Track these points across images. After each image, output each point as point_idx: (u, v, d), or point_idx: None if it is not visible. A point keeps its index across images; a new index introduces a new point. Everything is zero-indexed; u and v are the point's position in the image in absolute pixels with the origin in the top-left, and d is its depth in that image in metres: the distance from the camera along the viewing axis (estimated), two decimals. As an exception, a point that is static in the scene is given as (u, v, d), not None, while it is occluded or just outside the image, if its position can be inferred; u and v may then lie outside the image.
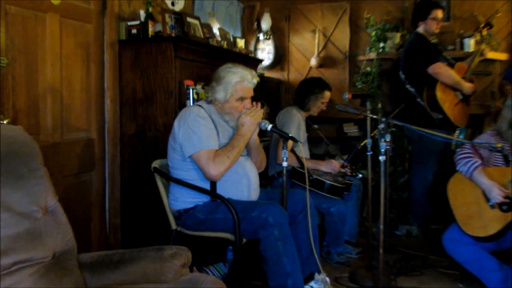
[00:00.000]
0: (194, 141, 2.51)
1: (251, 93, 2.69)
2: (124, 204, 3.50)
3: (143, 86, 3.37)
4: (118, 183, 3.45)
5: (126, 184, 3.48)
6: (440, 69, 3.74)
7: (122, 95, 3.43)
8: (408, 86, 3.95)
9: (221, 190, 2.60)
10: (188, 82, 3.35)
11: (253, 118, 2.60)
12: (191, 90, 3.31)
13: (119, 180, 3.45)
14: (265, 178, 3.74)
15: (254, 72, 2.68)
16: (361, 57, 5.01)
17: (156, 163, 2.81)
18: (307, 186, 2.75)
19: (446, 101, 3.79)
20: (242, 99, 2.65)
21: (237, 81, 2.61)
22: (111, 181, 3.41)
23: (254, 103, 2.69)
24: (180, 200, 2.67)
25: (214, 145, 2.52)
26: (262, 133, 4.18)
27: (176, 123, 2.63)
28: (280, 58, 5.54)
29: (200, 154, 2.50)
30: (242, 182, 2.64)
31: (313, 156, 4.12)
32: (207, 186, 2.60)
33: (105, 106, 3.35)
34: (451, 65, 3.92)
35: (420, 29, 3.96)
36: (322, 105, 3.80)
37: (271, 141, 3.90)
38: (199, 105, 2.68)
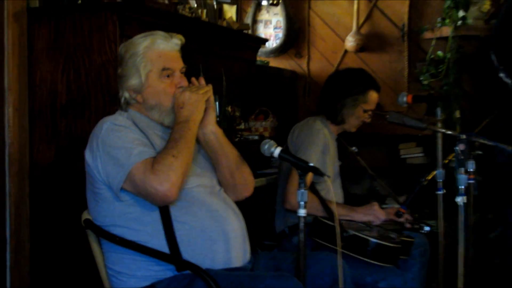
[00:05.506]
0: (121, 159, 2.57)
1: (179, 62, 2.80)
2: (38, 284, 3.53)
3: (69, 85, 3.44)
4: (27, 248, 3.46)
5: (40, 250, 3.50)
6: None
7: (33, 99, 3.51)
8: (502, 76, 3.97)
9: (186, 253, 2.62)
10: (142, 77, 3.56)
11: (197, 94, 2.71)
12: (148, 91, 3.52)
13: (29, 243, 3.47)
14: (270, 236, 3.81)
15: (171, 34, 2.82)
16: (428, 35, 5.13)
17: (88, 214, 2.82)
18: (339, 248, 2.69)
19: None
20: (168, 73, 2.75)
21: (146, 45, 2.73)
22: (15, 244, 3.41)
23: (193, 79, 2.82)
24: (125, 274, 2.67)
25: (148, 152, 2.59)
26: (264, 162, 4.38)
27: (87, 153, 2.67)
28: (296, 37, 5.66)
29: (134, 173, 2.53)
30: (210, 233, 2.66)
31: (352, 198, 4.12)
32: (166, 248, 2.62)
33: (6, 118, 3.42)
34: None
35: None
36: (364, 114, 3.84)
37: (278, 174, 3.95)
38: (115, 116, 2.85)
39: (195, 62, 3.94)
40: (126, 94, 2.76)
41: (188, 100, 2.68)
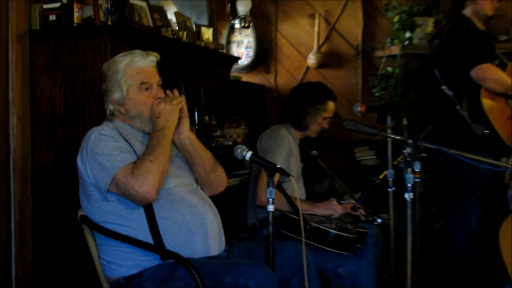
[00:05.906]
0: (106, 165, 2.64)
1: (156, 76, 2.87)
2: (40, 272, 3.58)
3: (66, 98, 3.52)
4: (30, 240, 3.52)
5: (42, 242, 3.57)
6: (486, 73, 3.86)
7: (35, 110, 3.57)
8: (444, 88, 4.08)
9: (169, 244, 2.71)
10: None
11: (171, 105, 2.78)
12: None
13: (31, 236, 3.52)
14: (242, 228, 3.91)
15: (148, 52, 2.88)
16: (379, 53, 5.26)
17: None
18: (303, 239, 2.83)
19: (494, 111, 3.89)
20: (146, 86, 2.82)
21: (126, 63, 2.80)
22: (20, 237, 3.45)
23: (168, 91, 2.89)
24: (116, 263, 2.77)
25: (130, 158, 2.67)
26: (237, 164, 4.43)
27: (78, 160, 2.76)
28: (264, 55, 5.79)
29: (117, 177, 2.62)
30: (190, 226, 2.74)
31: (313, 195, 4.19)
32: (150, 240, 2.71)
33: (10, 127, 3.46)
34: (503, 65, 4.02)
35: (467, 10, 4.10)
36: (324, 121, 3.95)
37: (250, 175, 4.03)
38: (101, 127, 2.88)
39: (177, 77, 3.97)
40: (111, 107, 2.84)
41: (163, 110, 2.74)
